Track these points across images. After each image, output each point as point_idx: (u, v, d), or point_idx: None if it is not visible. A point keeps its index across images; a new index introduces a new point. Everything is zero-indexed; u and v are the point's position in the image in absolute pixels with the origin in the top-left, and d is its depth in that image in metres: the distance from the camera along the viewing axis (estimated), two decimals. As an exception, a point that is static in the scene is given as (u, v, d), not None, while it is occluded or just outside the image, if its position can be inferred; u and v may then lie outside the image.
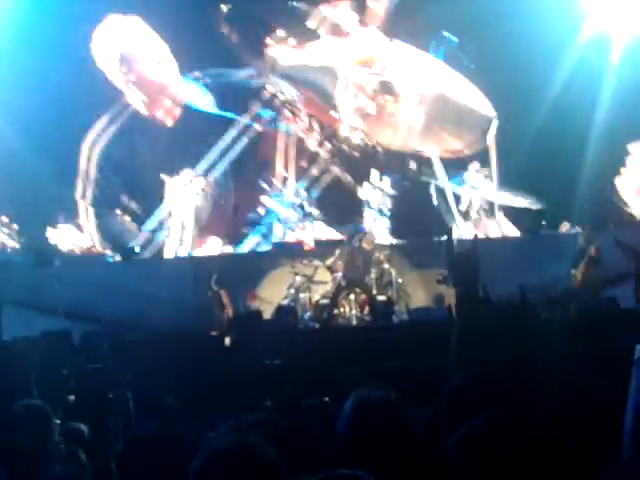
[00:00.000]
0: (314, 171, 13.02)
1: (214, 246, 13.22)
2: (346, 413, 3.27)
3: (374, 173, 12.77)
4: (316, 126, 13.06)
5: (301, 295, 11.27)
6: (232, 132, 13.29)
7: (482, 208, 12.83)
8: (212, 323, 10.78)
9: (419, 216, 12.69)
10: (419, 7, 12.72)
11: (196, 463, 2.83)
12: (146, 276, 11.77)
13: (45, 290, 11.20)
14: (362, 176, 12.84)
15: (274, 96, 13.19)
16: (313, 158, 13.07)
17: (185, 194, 13.04)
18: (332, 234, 12.75)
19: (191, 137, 13.34)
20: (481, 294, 4.64)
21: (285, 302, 11.24)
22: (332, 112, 13.01)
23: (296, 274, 11.37)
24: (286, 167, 13.16)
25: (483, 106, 12.90)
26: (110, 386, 4.98)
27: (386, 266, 11.20)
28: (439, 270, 10.42)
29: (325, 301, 11.03)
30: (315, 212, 12.81)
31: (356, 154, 13.07)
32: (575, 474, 2.81)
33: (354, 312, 10.79)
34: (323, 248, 11.82)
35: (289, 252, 11.88)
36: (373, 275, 11.03)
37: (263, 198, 12.97)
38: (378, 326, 10.22)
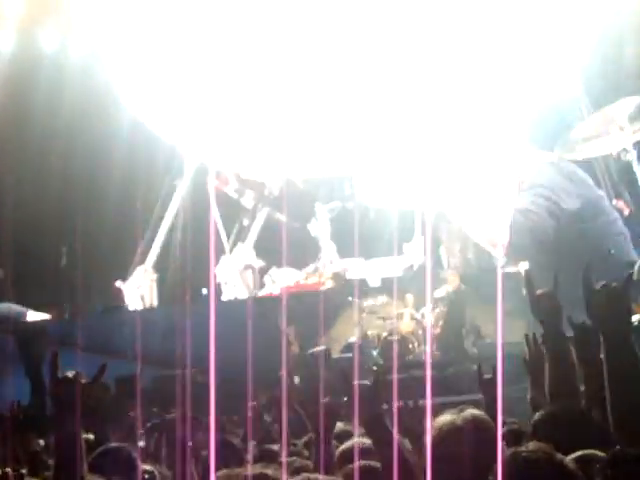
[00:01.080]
0: (257, 225, 12.68)
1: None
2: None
3: (319, 207, 12.42)
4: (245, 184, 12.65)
5: (369, 332, 11.21)
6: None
7: None
8: (280, 363, 10.75)
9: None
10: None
11: None
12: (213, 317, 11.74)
13: (113, 334, 11.25)
14: (308, 215, 12.48)
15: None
16: (252, 214, 12.70)
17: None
18: (299, 276, 12.39)
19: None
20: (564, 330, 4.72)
21: (353, 339, 11.18)
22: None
23: (363, 311, 11.31)
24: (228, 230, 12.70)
25: None
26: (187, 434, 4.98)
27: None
28: (507, 303, 10.30)
29: (394, 337, 10.95)
30: (255, 262, 12.46)
31: (291, 195, 12.57)
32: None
33: (423, 347, 10.73)
34: (388, 284, 11.73)
35: (356, 290, 11.82)
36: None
37: (215, 269, 12.34)
38: (447, 361, 10.16)
